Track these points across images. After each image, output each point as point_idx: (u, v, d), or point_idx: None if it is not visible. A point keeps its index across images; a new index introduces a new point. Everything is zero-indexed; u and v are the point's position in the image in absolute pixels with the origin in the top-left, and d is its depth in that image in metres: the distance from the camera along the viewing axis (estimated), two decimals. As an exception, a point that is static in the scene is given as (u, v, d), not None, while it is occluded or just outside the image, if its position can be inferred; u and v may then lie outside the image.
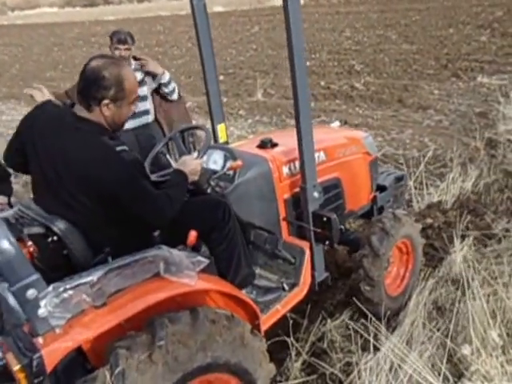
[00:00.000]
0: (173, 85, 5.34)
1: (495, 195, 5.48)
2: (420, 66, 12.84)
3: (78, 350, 2.17)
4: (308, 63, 14.25)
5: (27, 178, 2.62)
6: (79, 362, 2.25)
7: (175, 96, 5.27)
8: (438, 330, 3.32)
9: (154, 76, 5.02)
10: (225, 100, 11.25)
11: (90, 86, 2.37)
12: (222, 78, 13.46)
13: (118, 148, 2.40)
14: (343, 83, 11.74)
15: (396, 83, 11.34)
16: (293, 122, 9.10)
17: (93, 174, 2.28)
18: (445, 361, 2.98)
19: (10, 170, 3.14)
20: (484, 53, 13.60)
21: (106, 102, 2.38)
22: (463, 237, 4.47)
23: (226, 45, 19.76)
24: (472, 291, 3.33)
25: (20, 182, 6.88)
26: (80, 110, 2.44)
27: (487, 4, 23.21)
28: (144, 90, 5.01)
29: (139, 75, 5.01)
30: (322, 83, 11.94)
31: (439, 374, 2.93)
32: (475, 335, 3.08)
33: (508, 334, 3.14)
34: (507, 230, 4.59)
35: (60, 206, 2.39)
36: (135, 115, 4.87)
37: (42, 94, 3.86)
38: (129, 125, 4.83)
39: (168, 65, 15.93)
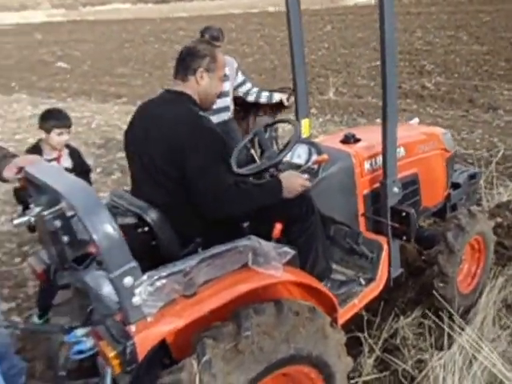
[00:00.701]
0: (248, 85, 5.26)
1: None
2: (490, 66, 12.27)
3: (160, 344, 2.08)
4: (379, 62, 13.82)
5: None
6: (158, 356, 2.17)
7: (251, 98, 5.20)
8: (508, 327, 3.18)
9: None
10: (296, 98, 11.07)
11: (187, 58, 2.49)
12: (293, 76, 13.28)
13: (203, 114, 2.43)
14: (414, 83, 11.30)
15: (466, 83, 10.88)
16: (364, 120, 8.89)
17: (182, 136, 2.26)
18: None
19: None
20: (554, 55, 12.90)
21: (201, 69, 2.48)
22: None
23: (300, 43, 19.47)
24: None
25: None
26: (175, 85, 2.51)
27: None
28: (226, 86, 4.95)
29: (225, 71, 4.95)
30: (394, 83, 11.55)
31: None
32: None
33: None
34: None
35: (153, 193, 2.35)
36: (215, 111, 4.82)
37: None
38: (216, 118, 4.80)
39: (239, 63, 15.70)
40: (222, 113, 4.95)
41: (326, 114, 9.57)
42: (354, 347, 3.19)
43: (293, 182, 2.60)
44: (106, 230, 1.78)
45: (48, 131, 3.53)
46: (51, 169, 2.37)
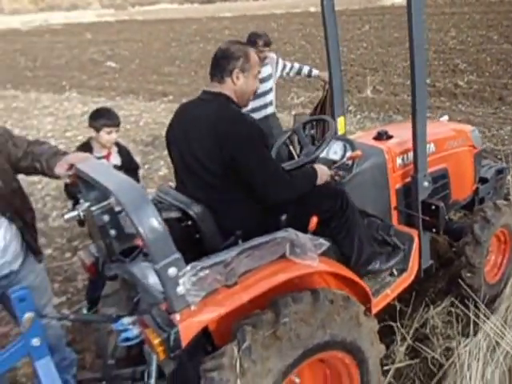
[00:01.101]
0: (288, 66, 5.26)
1: None
2: (520, 65, 11.91)
3: (202, 332, 2.07)
4: (413, 63, 13.56)
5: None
6: (202, 341, 2.15)
7: (315, 71, 5.26)
8: None
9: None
10: (336, 96, 10.91)
11: (222, 60, 2.46)
12: (333, 75, 13.08)
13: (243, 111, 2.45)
14: (447, 81, 11.01)
15: (497, 82, 10.53)
16: (399, 117, 8.67)
17: (224, 131, 2.26)
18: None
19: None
20: None
21: (236, 71, 2.44)
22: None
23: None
24: None
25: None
26: (212, 87, 2.48)
27: None
28: (271, 83, 4.97)
29: (269, 69, 4.95)
30: (428, 81, 11.24)
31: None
32: None
33: None
34: None
35: (196, 190, 2.35)
36: (262, 106, 4.88)
37: None
38: (256, 114, 4.81)
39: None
40: (266, 108, 4.99)
41: (364, 111, 9.39)
42: (387, 336, 3.18)
43: (323, 170, 2.69)
44: (151, 223, 1.77)
45: (98, 130, 3.49)
46: (101, 166, 2.36)
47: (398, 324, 3.15)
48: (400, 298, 3.41)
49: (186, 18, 34.70)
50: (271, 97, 5.05)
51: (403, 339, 3.14)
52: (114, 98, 12.59)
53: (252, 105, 4.84)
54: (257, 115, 4.86)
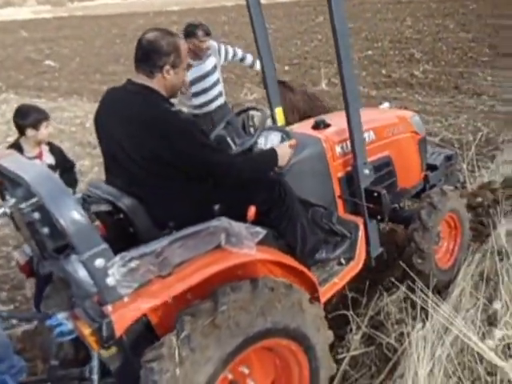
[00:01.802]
0: (249, 57, 5.40)
1: (541, 174, 5.25)
2: (475, 53, 12.34)
3: (145, 323, 2.17)
4: (370, 52, 13.82)
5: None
6: (146, 335, 2.23)
7: (258, 66, 5.20)
8: (483, 298, 3.26)
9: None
10: (290, 90, 11.06)
11: (151, 55, 2.44)
12: (287, 68, 13.12)
13: (175, 109, 2.48)
14: (403, 71, 11.38)
15: (452, 70, 10.97)
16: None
17: (155, 126, 2.32)
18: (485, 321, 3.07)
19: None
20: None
21: (167, 67, 2.45)
22: (510, 212, 4.38)
23: (291, 35, 18.97)
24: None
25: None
26: (139, 78, 2.49)
27: (544, -6, 21.93)
28: (217, 74, 5.08)
29: (212, 60, 5.05)
30: (384, 71, 11.61)
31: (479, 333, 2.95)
32: (505, 292, 3.18)
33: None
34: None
35: (126, 182, 2.41)
36: (212, 99, 5.06)
37: None
38: (207, 108, 5.03)
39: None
40: (216, 100, 5.11)
41: (319, 104, 9.63)
42: (342, 326, 3.32)
43: (284, 151, 2.83)
44: (71, 215, 1.84)
45: (36, 127, 3.46)
46: (20, 160, 2.35)
47: (352, 313, 3.28)
48: (356, 287, 3.58)
49: (130, 13, 34.11)
50: (220, 88, 5.16)
51: (358, 328, 3.28)
52: (55, 99, 12.30)
53: (202, 99, 4.99)
54: (207, 108, 5.03)
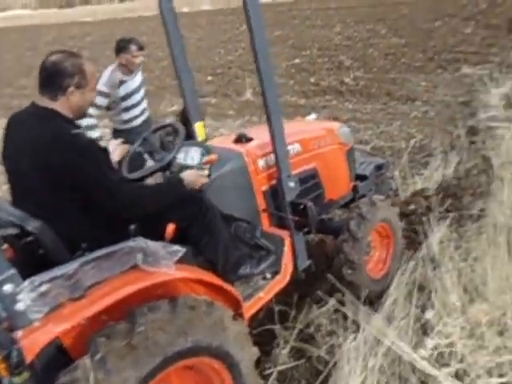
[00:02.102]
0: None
1: (474, 179, 5.55)
2: (408, 59, 12.94)
3: (58, 347, 2.20)
4: (298, 60, 14.22)
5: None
6: (60, 359, 2.25)
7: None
8: (416, 306, 3.44)
9: None
10: (213, 101, 11.12)
11: (55, 77, 2.49)
12: (210, 78, 13.34)
13: (77, 131, 2.52)
14: (333, 79, 11.75)
15: (385, 77, 11.43)
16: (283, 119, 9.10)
17: (57, 153, 2.37)
18: (418, 330, 3.25)
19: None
20: (468, 44, 13.80)
21: (71, 89, 2.50)
22: (442, 219, 4.61)
23: (215, 44, 19.33)
24: (445, 268, 3.55)
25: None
26: (43, 101, 2.53)
27: (475, -6, 23.30)
28: (143, 91, 5.32)
29: (139, 77, 5.27)
30: (312, 80, 11.93)
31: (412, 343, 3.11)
32: (438, 301, 3.36)
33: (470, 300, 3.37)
34: (482, 210, 4.69)
35: (33, 205, 2.44)
36: (139, 114, 5.32)
37: None
38: (135, 123, 5.28)
39: (153, 67, 15.45)
40: (142, 115, 5.36)
41: (245, 115, 9.73)
42: (269, 341, 3.43)
43: (193, 179, 2.90)
44: None
45: None
46: None
47: (280, 327, 3.41)
48: (284, 301, 3.70)
49: (42, 25, 33.89)
50: (145, 104, 5.39)
51: (286, 342, 3.39)
52: (-36, 113, 11.99)
53: (131, 114, 5.21)
54: (134, 123, 5.27)
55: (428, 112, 8.80)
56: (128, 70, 5.06)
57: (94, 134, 4.88)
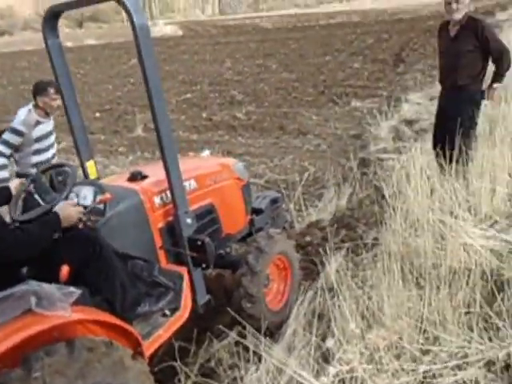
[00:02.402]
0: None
1: (367, 209, 5.90)
2: (299, 93, 13.52)
3: None
4: (189, 95, 14.39)
5: None
6: None
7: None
8: (316, 336, 3.56)
9: None
10: (103, 137, 11.01)
11: None
12: (98, 114, 13.24)
13: None
14: (225, 114, 12.00)
15: (277, 111, 11.85)
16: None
17: None
18: (319, 358, 3.38)
19: None
20: (357, 78, 14.71)
21: None
22: (338, 249, 4.86)
23: (102, 80, 19.20)
24: (343, 296, 3.68)
25: None
26: None
27: (360, 32, 24.85)
28: (54, 136, 5.37)
29: (52, 121, 5.33)
30: (204, 115, 12.12)
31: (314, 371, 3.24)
32: (337, 329, 3.49)
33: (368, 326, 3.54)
34: (376, 239, 4.96)
35: None
36: (51, 157, 5.35)
37: None
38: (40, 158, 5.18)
39: None
40: (53, 159, 5.39)
41: (136, 151, 9.71)
42: (170, 377, 3.48)
43: (68, 211, 2.88)
44: None
45: None
46: None
47: (180, 363, 3.46)
48: (184, 337, 3.75)
49: None
50: (54, 150, 5.43)
51: (187, 377, 3.45)
52: None
53: (42, 157, 5.22)
54: (43, 157, 5.23)
55: (320, 145, 9.20)
56: (45, 112, 5.11)
57: (3, 175, 4.93)
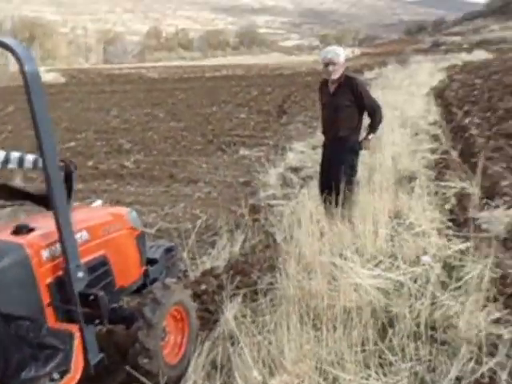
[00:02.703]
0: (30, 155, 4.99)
1: (260, 255, 5.90)
2: (188, 142, 13.59)
3: None
4: (73, 143, 13.93)
5: None
6: None
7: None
8: None
9: None
10: (-24, 187, 10.49)
11: None
12: (-29, 165, 12.60)
13: None
14: (112, 162, 11.77)
15: (166, 160, 11.77)
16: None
17: None
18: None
19: None
20: (244, 128, 15.09)
21: None
22: (234, 296, 4.78)
23: (-25, 128, 18.45)
24: (243, 343, 3.63)
25: None
26: None
27: (244, 85, 25.58)
28: None
29: None
30: (90, 163, 11.75)
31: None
32: (240, 378, 3.46)
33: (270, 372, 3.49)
34: (271, 284, 4.95)
35: None
36: None
37: None
38: None
39: None
40: None
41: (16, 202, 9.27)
42: None
43: None
44: None
45: None
46: None
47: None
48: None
49: None
50: None
51: None
52: None
53: None
54: None
55: (211, 192, 9.22)
56: None
57: None
